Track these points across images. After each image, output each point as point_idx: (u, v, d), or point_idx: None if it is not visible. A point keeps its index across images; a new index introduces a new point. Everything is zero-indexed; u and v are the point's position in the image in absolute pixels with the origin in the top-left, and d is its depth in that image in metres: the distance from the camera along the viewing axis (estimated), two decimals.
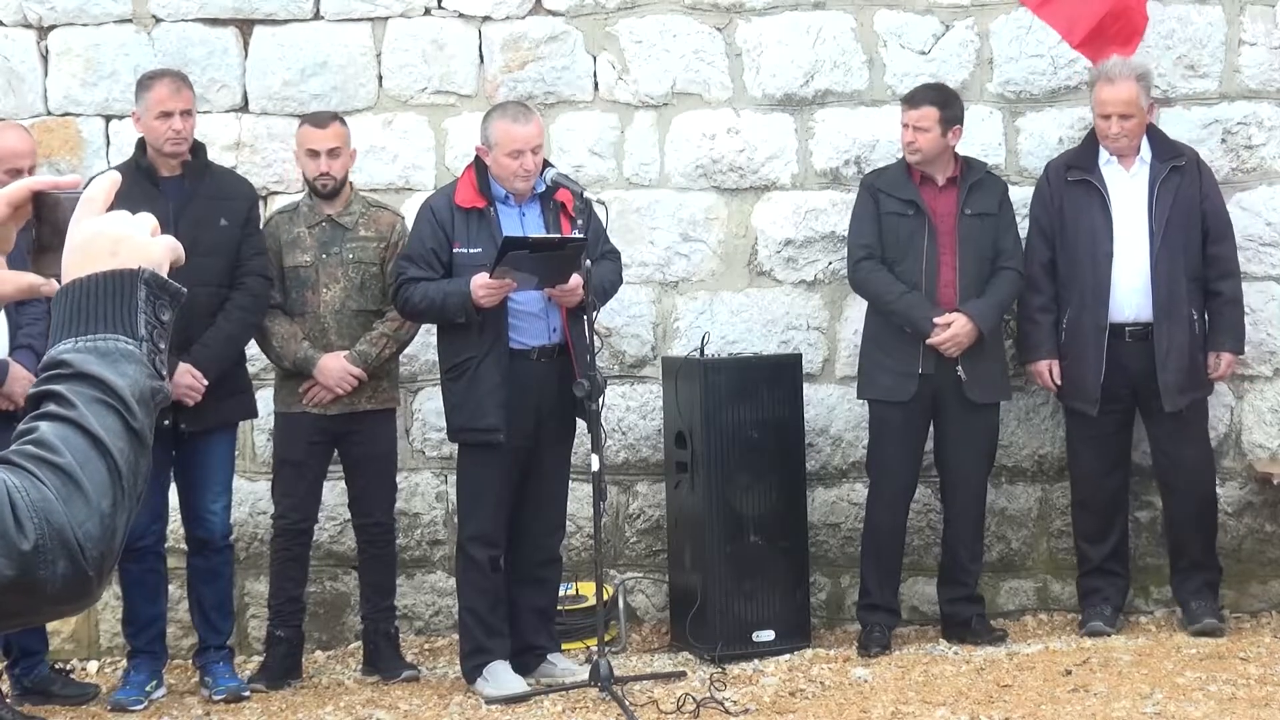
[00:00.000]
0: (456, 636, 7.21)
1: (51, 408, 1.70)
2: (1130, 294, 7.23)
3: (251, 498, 7.64)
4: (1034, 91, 7.75)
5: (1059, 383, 7.34)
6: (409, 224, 7.20)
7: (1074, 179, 7.29)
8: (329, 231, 7.11)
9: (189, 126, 6.91)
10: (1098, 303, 7.21)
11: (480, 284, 6.56)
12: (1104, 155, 7.30)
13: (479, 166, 6.84)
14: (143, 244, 1.81)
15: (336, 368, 7.00)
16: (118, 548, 1.70)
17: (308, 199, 7.19)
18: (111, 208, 1.86)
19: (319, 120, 7.19)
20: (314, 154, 7.06)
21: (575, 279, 6.61)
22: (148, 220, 1.84)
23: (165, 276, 1.80)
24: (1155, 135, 7.34)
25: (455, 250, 6.75)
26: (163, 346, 1.78)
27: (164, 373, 1.78)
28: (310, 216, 7.13)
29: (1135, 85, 7.21)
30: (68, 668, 7.37)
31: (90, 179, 1.96)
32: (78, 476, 1.67)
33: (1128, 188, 7.27)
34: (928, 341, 7.16)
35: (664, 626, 7.70)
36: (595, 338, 6.73)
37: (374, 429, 7.17)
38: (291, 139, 7.35)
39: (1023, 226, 7.53)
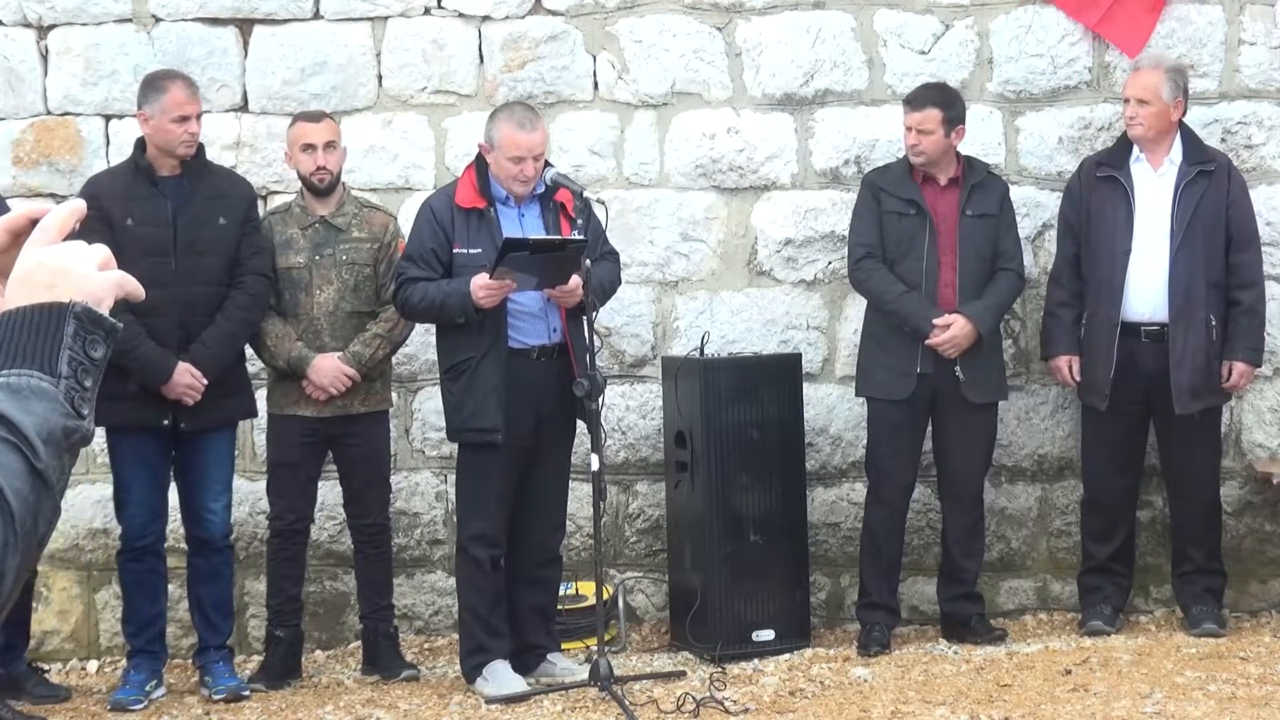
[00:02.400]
0: (456, 636, 7.21)
1: None
2: (1147, 293, 7.22)
3: (251, 497, 7.64)
4: (1034, 91, 7.76)
5: (1078, 379, 7.34)
6: (402, 225, 7.20)
7: (1103, 175, 7.30)
8: (322, 233, 7.11)
9: (199, 128, 6.93)
10: (1111, 299, 7.21)
11: (480, 285, 6.56)
12: (1134, 154, 7.31)
13: (479, 166, 6.83)
14: (82, 277, 1.74)
15: (330, 367, 6.99)
16: (5, 592, 1.61)
17: (300, 200, 7.18)
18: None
19: (312, 116, 7.21)
20: (310, 148, 7.05)
21: (575, 279, 6.61)
22: (97, 252, 1.77)
23: (103, 312, 1.73)
24: (1189, 138, 7.33)
25: (455, 250, 6.75)
26: (88, 384, 1.70)
27: (85, 412, 1.70)
28: (303, 218, 7.13)
29: (1159, 75, 7.22)
30: (45, 668, 7.37)
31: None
32: None
33: (1153, 187, 7.26)
34: (926, 342, 7.17)
35: (664, 626, 7.70)
36: (595, 337, 6.73)
37: (367, 430, 7.17)
38: None
39: (1030, 223, 7.55)
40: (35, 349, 1.68)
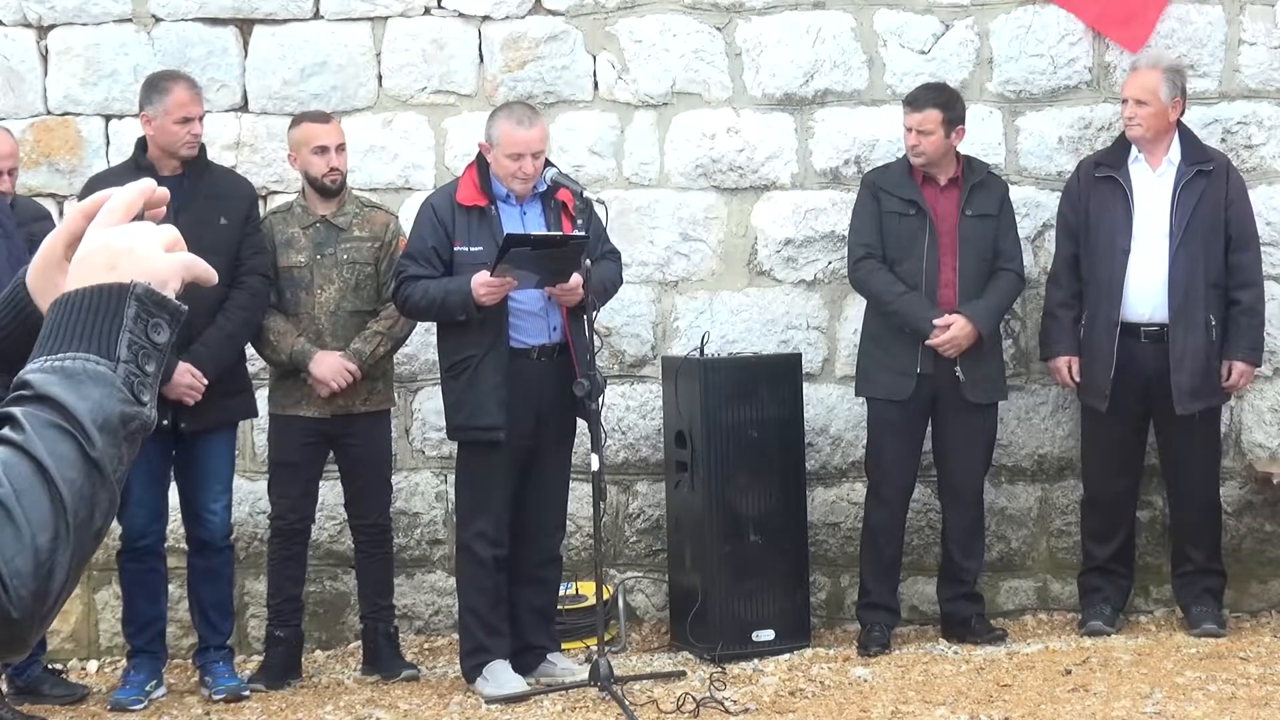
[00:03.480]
0: (456, 636, 7.21)
1: (5, 431, 1.55)
2: (1147, 293, 7.21)
3: (251, 497, 7.64)
4: (1034, 91, 7.76)
5: (1078, 379, 7.34)
6: (403, 224, 7.20)
7: (1101, 175, 7.29)
8: (323, 232, 7.11)
9: (202, 129, 6.93)
10: (1111, 299, 7.21)
11: (481, 282, 6.56)
12: (1133, 154, 7.31)
13: (481, 164, 6.84)
14: (147, 258, 1.65)
15: (332, 361, 6.99)
16: (57, 589, 1.53)
17: (301, 199, 7.18)
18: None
19: (320, 117, 7.19)
20: (322, 150, 7.04)
21: (576, 278, 6.61)
22: (164, 233, 1.69)
23: (167, 294, 1.64)
24: (1187, 138, 7.33)
25: (456, 248, 6.75)
26: (149, 369, 1.63)
27: (145, 398, 1.63)
28: (304, 217, 7.13)
29: (1157, 75, 7.22)
30: (61, 669, 7.37)
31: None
32: (11, 507, 1.50)
33: (1152, 187, 7.26)
34: (926, 343, 7.17)
35: (664, 626, 7.70)
36: (595, 337, 6.73)
37: (369, 430, 7.16)
38: None
39: (1030, 223, 7.55)
40: (93, 332, 1.60)
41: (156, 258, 1.67)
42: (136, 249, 1.66)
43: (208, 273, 1.72)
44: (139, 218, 1.75)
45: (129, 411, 1.61)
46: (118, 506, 1.61)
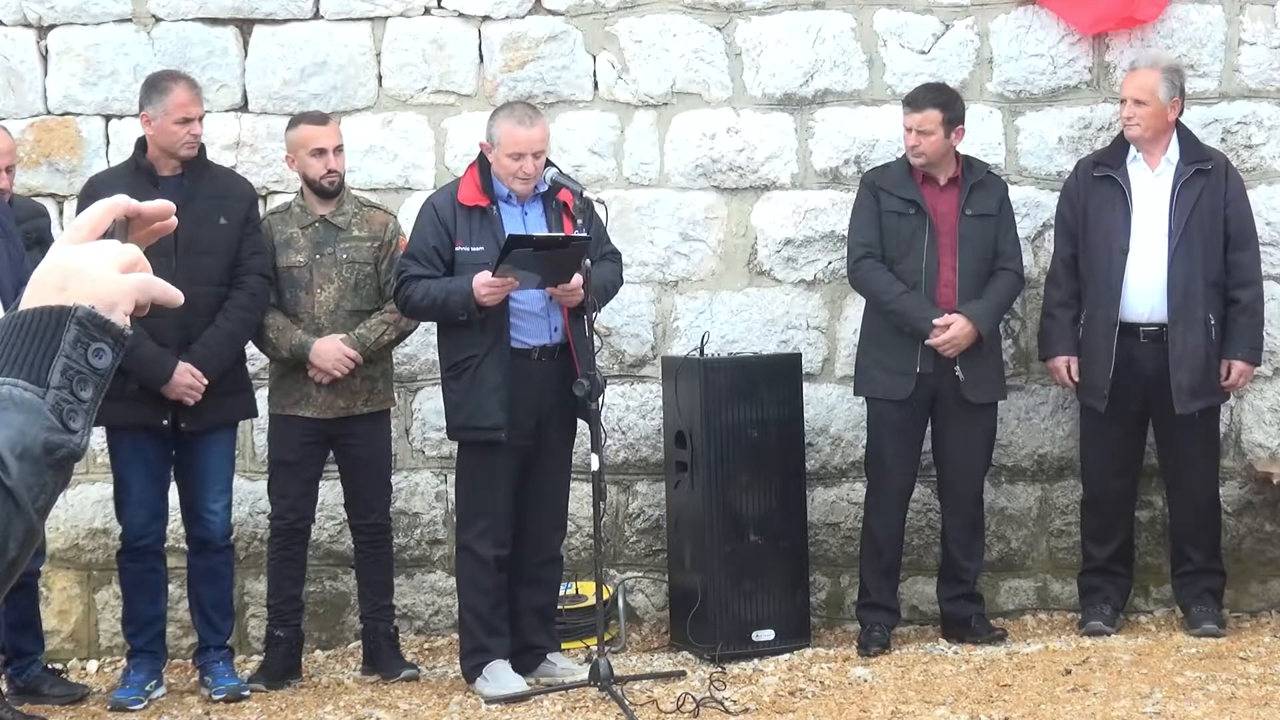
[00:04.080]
0: (456, 636, 7.21)
1: None
2: (1145, 293, 7.21)
3: (251, 497, 7.64)
4: (1034, 91, 7.76)
5: (1077, 379, 7.34)
6: (402, 223, 7.20)
7: (1100, 175, 7.29)
8: (322, 232, 7.10)
9: (202, 129, 6.93)
10: (1110, 299, 7.21)
11: (483, 282, 6.56)
12: (1131, 153, 7.31)
13: (482, 164, 6.84)
14: (97, 279, 1.59)
15: (331, 351, 6.97)
16: None
17: (299, 199, 7.18)
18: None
19: (319, 118, 7.18)
20: (320, 152, 7.03)
21: (577, 278, 6.61)
22: (123, 254, 1.64)
23: (112, 317, 1.58)
24: (1186, 138, 7.33)
25: (457, 248, 6.75)
26: (85, 396, 1.56)
27: (75, 425, 1.55)
28: (303, 217, 7.12)
29: (1155, 75, 7.22)
30: (61, 669, 7.37)
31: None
32: None
33: (1151, 187, 7.27)
34: (926, 342, 7.17)
35: (664, 626, 7.70)
36: (595, 337, 6.73)
37: (369, 430, 7.16)
38: None
39: (1030, 223, 7.55)
40: (28, 356, 1.55)
41: (108, 279, 1.61)
42: (88, 270, 1.61)
43: (167, 293, 1.67)
44: (110, 233, 1.70)
45: (54, 440, 1.55)
46: (38, 537, 1.56)
